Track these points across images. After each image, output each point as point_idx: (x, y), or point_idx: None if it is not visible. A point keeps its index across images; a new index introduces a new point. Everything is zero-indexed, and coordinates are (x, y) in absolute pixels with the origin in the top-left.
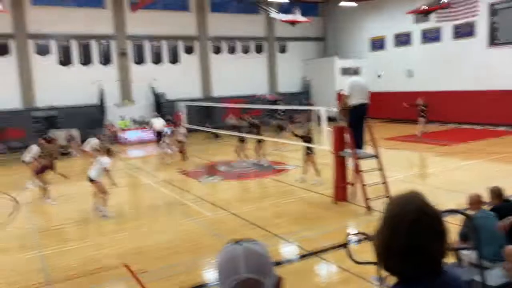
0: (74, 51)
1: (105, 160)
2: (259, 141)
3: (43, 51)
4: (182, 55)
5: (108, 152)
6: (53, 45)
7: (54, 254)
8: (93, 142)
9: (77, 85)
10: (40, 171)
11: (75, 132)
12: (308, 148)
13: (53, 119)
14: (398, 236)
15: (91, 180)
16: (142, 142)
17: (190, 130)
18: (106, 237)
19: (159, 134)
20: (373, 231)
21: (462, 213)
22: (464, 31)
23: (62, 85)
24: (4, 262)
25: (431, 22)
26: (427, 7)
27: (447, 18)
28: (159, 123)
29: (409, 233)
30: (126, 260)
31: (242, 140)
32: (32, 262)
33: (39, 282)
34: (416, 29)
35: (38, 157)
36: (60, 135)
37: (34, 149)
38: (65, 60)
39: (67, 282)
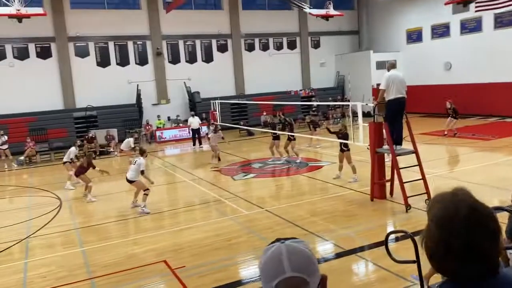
0: (111, 52)
1: (141, 161)
2: (289, 138)
3: (82, 53)
4: (216, 54)
5: (142, 153)
6: (91, 47)
7: (96, 250)
8: (128, 141)
9: (115, 86)
10: (78, 173)
11: (113, 132)
12: (343, 145)
13: (92, 119)
14: (452, 235)
15: (131, 181)
16: (177, 141)
17: (224, 128)
18: (145, 234)
19: (195, 133)
20: (420, 230)
21: (507, 210)
22: (506, 20)
23: (100, 86)
24: (51, 258)
25: (470, 12)
26: None
27: (488, 7)
28: (195, 121)
29: (465, 232)
30: (164, 256)
31: (275, 137)
32: (76, 258)
33: (84, 278)
34: (454, 20)
35: (76, 158)
36: (99, 134)
37: (72, 151)
38: (102, 61)
39: (108, 277)
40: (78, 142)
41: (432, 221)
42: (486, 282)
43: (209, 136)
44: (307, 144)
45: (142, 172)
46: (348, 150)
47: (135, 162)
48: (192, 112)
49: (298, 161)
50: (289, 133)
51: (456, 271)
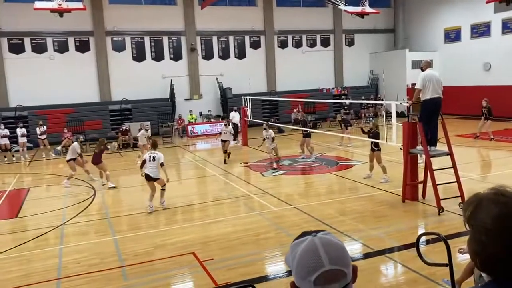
0: (147, 47)
1: (159, 154)
2: (305, 136)
3: (118, 47)
4: (248, 50)
5: (154, 145)
6: (128, 42)
7: (127, 239)
8: (141, 133)
9: (149, 80)
10: (96, 162)
11: (147, 125)
12: (373, 144)
13: (127, 112)
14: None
15: (155, 179)
16: (208, 136)
17: (254, 125)
18: (175, 226)
19: (237, 127)
20: (453, 233)
21: None
22: None
23: (136, 80)
24: (85, 245)
25: None
26: None
27: None
28: (237, 116)
29: None
30: (193, 248)
31: (306, 135)
32: (108, 246)
33: (115, 266)
34: (496, 19)
35: (79, 156)
36: (133, 127)
37: (75, 147)
38: (138, 56)
39: (138, 266)
40: (81, 138)
41: (489, 223)
42: None
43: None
44: (338, 142)
45: (162, 165)
46: (379, 150)
47: (153, 157)
48: (235, 107)
49: (310, 159)
50: (306, 130)
51: None
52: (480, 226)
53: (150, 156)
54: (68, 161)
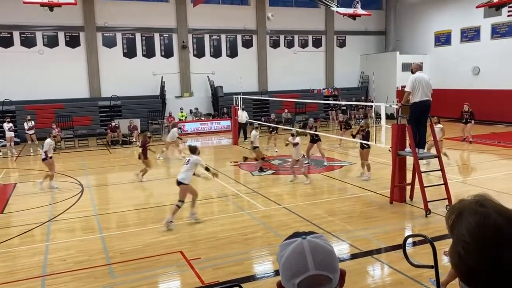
0: (138, 43)
1: (195, 157)
2: (312, 141)
3: (109, 43)
4: (240, 49)
5: (193, 151)
6: (119, 38)
7: (115, 237)
8: (173, 131)
9: (140, 77)
10: (144, 156)
11: (136, 122)
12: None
13: (116, 108)
14: (504, 253)
15: (180, 183)
16: (199, 134)
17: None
18: (162, 224)
19: (242, 126)
20: (440, 235)
21: None
22: None
23: (126, 76)
24: (71, 242)
25: (503, 17)
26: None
27: None
28: (243, 115)
29: None
30: (181, 247)
31: (313, 140)
32: (95, 244)
33: (102, 264)
34: (485, 24)
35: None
36: (122, 124)
37: (48, 143)
38: (129, 52)
39: (125, 264)
40: (53, 133)
41: (465, 235)
42: None
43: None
44: (337, 144)
45: (207, 169)
46: (369, 147)
47: (188, 161)
48: (243, 106)
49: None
50: (317, 135)
51: (500, 286)
52: (459, 239)
53: (183, 159)
54: (43, 160)
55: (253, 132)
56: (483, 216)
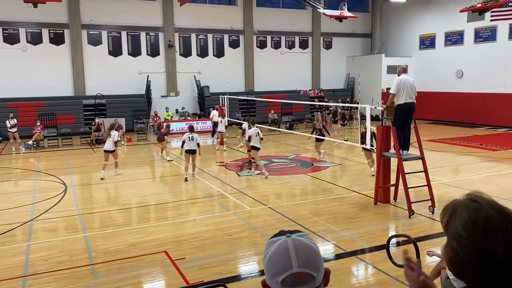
0: (124, 42)
1: (195, 136)
2: (318, 140)
3: (94, 41)
4: (227, 49)
5: (191, 129)
6: (104, 36)
7: (98, 237)
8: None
9: (125, 75)
10: (159, 139)
11: (121, 121)
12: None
13: (101, 107)
14: (497, 242)
15: (193, 152)
16: (184, 134)
17: (231, 124)
18: (147, 224)
19: (216, 125)
20: (423, 236)
21: None
22: None
23: (111, 75)
24: (54, 242)
25: (486, 21)
26: (481, 4)
27: (504, 17)
28: (217, 114)
29: (508, 238)
30: (165, 247)
31: (319, 139)
32: (78, 243)
33: (85, 264)
34: (469, 28)
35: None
36: (107, 123)
37: (116, 134)
38: (114, 51)
39: (108, 264)
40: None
41: (459, 229)
42: None
43: None
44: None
45: (198, 145)
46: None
47: (192, 138)
48: (216, 106)
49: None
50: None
51: (494, 278)
52: (454, 233)
53: (189, 137)
54: (112, 151)
55: (252, 129)
56: (476, 210)
